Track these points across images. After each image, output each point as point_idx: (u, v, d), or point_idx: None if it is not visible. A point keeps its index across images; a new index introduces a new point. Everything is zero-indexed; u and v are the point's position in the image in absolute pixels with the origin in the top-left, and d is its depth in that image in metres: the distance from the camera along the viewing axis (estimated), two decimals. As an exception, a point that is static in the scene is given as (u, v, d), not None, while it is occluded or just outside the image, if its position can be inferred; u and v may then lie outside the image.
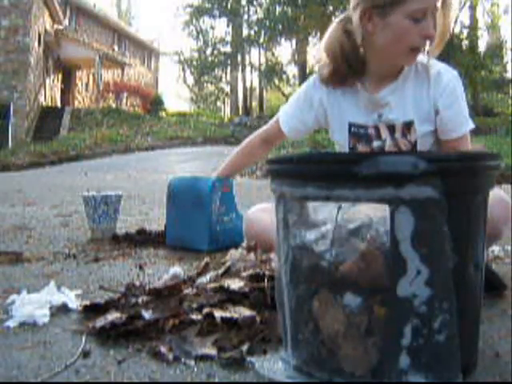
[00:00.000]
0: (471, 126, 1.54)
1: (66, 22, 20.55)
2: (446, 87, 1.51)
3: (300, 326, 0.90)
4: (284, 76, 27.40)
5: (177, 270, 1.66)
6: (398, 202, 0.78)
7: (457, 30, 20.90)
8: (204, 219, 2.14)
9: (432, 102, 1.52)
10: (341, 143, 1.65)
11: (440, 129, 1.53)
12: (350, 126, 1.60)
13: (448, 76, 1.52)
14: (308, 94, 1.69)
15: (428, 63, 1.53)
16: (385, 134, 1.56)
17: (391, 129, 1.55)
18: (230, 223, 2.19)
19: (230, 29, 26.39)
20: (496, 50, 21.70)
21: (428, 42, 1.44)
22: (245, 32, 25.59)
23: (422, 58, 1.52)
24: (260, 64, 27.58)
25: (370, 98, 1.55)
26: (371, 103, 1.55)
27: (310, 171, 0.86)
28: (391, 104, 1.53)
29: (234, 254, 1.53)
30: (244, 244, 1.78)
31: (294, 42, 25.05)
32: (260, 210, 1.78)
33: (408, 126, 1.53)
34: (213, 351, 1.03)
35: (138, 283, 1.48)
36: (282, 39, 25.18)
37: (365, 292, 0.82)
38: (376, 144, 1.56)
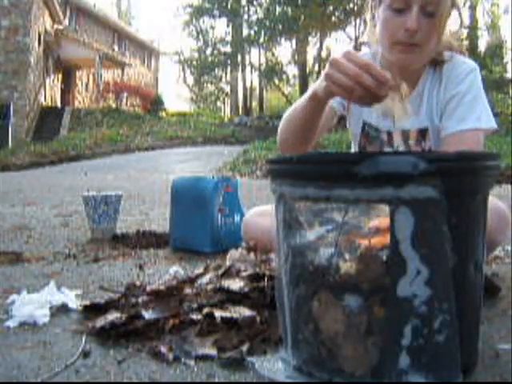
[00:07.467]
0: (479, 125, 1.35)
1: (66, 22, 20.57)
2: (456, 78, 1.39)
3: (300, 326, 0.90)
4: (284, 76, 27.40)
5: (177, 269, 1.67)
6: (397, 202, 0.78)
7: (457, 30, 20.91)
8: (206, 220, 2.10)
9: (440, 104, 1.42)
10: (354, 137, 1.59)
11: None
12: (364, 124, 1.54)
13: (462, 67, 1.40)
14: None
15: (449, 59, 1.41)
16: (398, 141, 1.49)
17: (405, 135, 1.48)
18: (233, 225, 2.13)
19: (230, 29, 26.42)
20: (496, 49, 21.69)
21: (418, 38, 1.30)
22: (245, 32, 25.60)
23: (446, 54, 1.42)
24: (260, 64, 27.59)
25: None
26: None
27: (310, 171, 0.86)
28: None
29: (233, 254, 1.52)
30: (244, 244, 1.78)
31: (294, 41, 25.06)
32: (257, 215, 1.76)
33: (423, 133, 1.45)
34: (213, 351, 1.03)
35: (138, 283, 1.48)
36: (282, 39, 25.19)
37: (365, 292, 0.82)
38: (387, 151, 1.49)
